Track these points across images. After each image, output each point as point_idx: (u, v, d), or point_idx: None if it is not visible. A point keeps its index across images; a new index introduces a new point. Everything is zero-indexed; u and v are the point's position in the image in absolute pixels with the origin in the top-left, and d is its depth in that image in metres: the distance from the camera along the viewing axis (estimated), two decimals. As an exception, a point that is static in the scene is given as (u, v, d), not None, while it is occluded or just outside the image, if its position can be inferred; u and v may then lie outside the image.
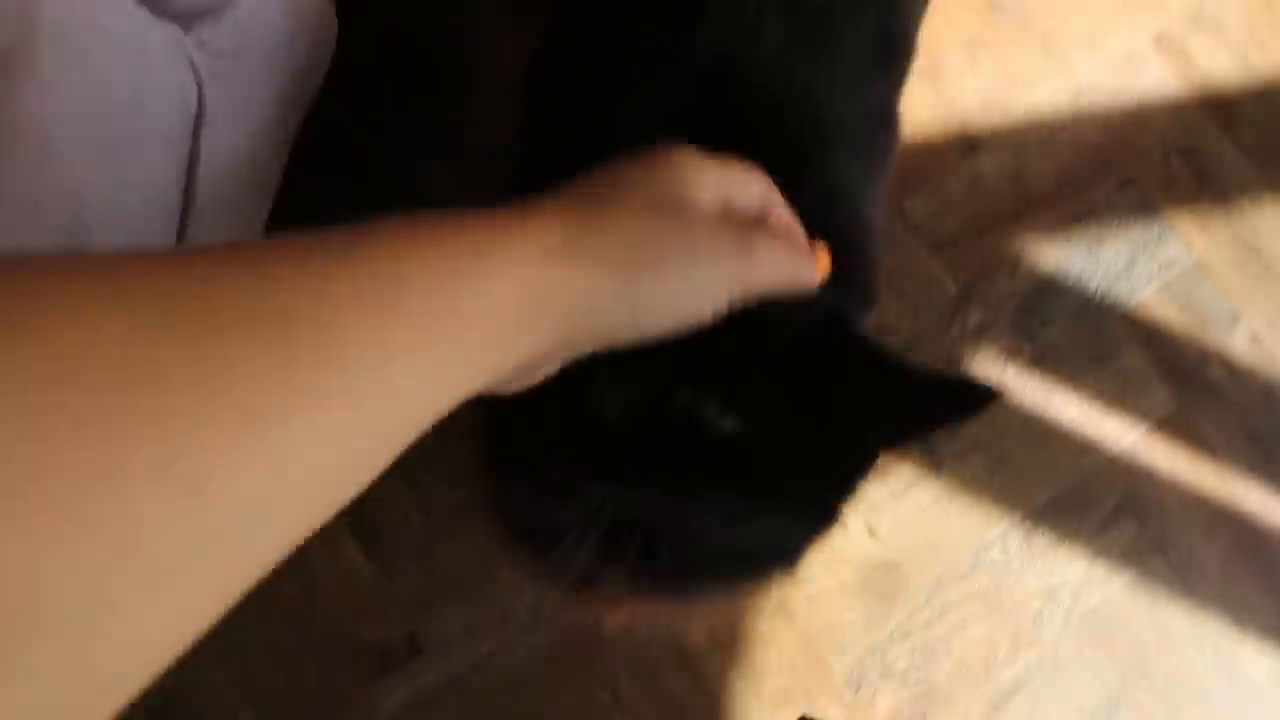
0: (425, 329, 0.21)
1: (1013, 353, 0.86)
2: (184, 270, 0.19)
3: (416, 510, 0.81)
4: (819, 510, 0.37)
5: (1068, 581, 0.85)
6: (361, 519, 0.79)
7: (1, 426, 0.15)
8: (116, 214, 0.49)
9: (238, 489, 0.17)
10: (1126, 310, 0.87)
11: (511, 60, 0.60)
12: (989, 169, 0.87)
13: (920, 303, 0.86)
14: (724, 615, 0.83)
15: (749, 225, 0.31)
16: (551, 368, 0.29)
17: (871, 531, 0.85)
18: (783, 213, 0.34)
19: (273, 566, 0.19)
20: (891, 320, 0.86)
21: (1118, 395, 0.86)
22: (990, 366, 0.86)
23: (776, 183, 0.41)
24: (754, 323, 0.32)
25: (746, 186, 0.32)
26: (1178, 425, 0.86)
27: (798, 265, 0.33)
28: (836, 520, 0.37)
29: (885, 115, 0.51)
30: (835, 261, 0.43)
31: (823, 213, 0.45)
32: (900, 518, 0.85)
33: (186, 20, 0.56)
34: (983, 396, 0.33)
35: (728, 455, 0.33)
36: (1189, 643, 0.84)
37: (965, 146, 0.88)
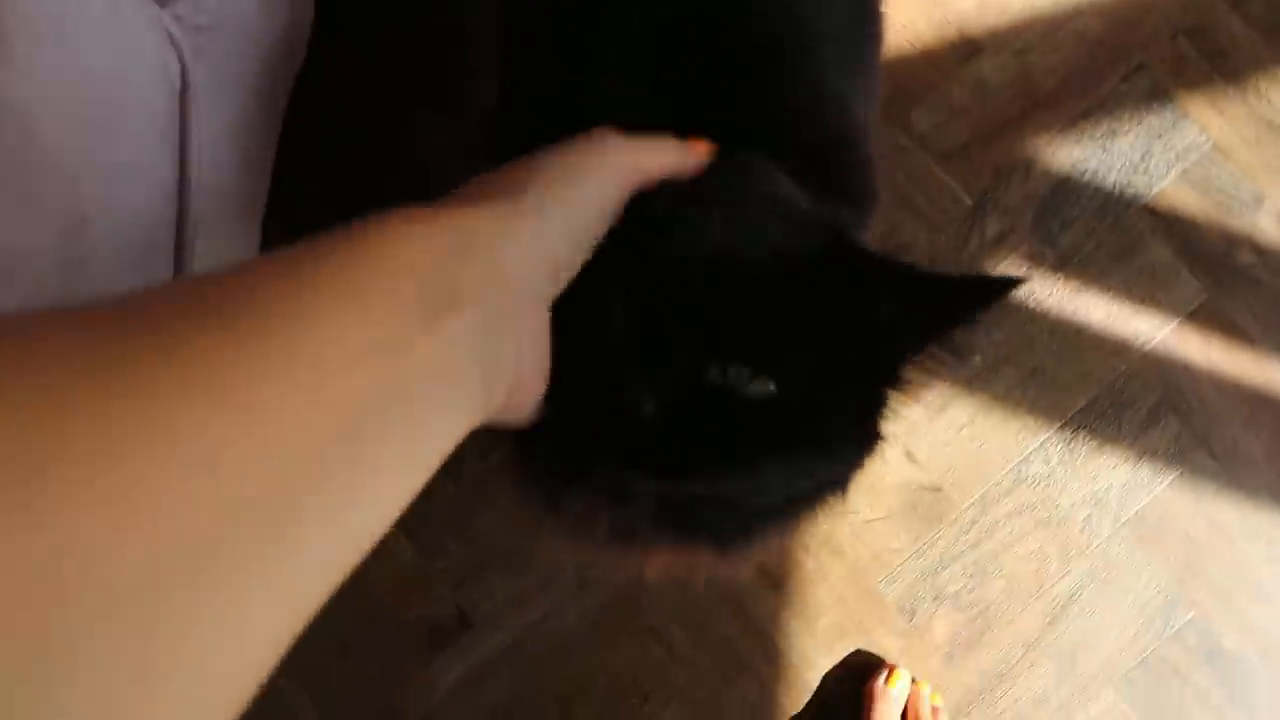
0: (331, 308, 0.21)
1: (1035, 259, 0.84)
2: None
3: (450, 483, 0.80)
4: (863, 436, 0.36)
5: (1113, 486, 0.84)
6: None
7: None
8: (113, 199, 0.47)
9: (246, 457, 0.17)
10: (1147, 202, 0.85)
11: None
12: (992, 72, 0.85)
13: (936, 217, 0.84)
14: (770, 556, 0.82)
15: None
16: (531, 348, 0.29)
17: (910, 456, 0.83)
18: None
19: (322, 544, 0.20)
20: (908, 237, 0.84)
21: (1146, 291, 0.84)
22: (1013, 274, 0.84)
23: (758, 85, 0.42)
24: (758, 270, 0.32)
25: (660, 153, 0.34)
26: (1210, 315, 0.84)
27: (678, 148, 0.35)
28: (880, 439, 0.37)
29: (867, 10, 0.50)
30: (826, 163, 0.43)
31: (808, 111, 0.45)
32: (937, 440, 0.84)
33: (160, -5, 0.54)
34: (1003, 284, 0.33)
35: (770, 417, 0.33)
36: (1240, 535, 0.83)
37: (965, 52, 0.85)
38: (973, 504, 0.83)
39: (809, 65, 0.45)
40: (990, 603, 0.83)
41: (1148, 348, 0.84)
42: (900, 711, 0.79)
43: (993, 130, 0.85)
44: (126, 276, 0.49)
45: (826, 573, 0.82)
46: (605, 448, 0.33)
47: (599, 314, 0.32)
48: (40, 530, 0.14)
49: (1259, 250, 0.84)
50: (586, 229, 0.30)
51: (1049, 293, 0.84)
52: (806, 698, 0.82)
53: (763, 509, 0.39)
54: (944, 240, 0.84)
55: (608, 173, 0.31)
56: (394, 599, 0.80)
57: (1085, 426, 0.84)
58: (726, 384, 0.32)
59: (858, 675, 0.82)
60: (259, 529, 0.18)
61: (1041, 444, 0.84)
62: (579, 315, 0.31)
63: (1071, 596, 0.83)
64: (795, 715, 0.82)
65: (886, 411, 0.36)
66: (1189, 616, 0.82)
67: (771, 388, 0.32)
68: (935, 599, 0.83)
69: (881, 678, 0.79)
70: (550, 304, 0.29)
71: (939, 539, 0.83)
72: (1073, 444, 0.84)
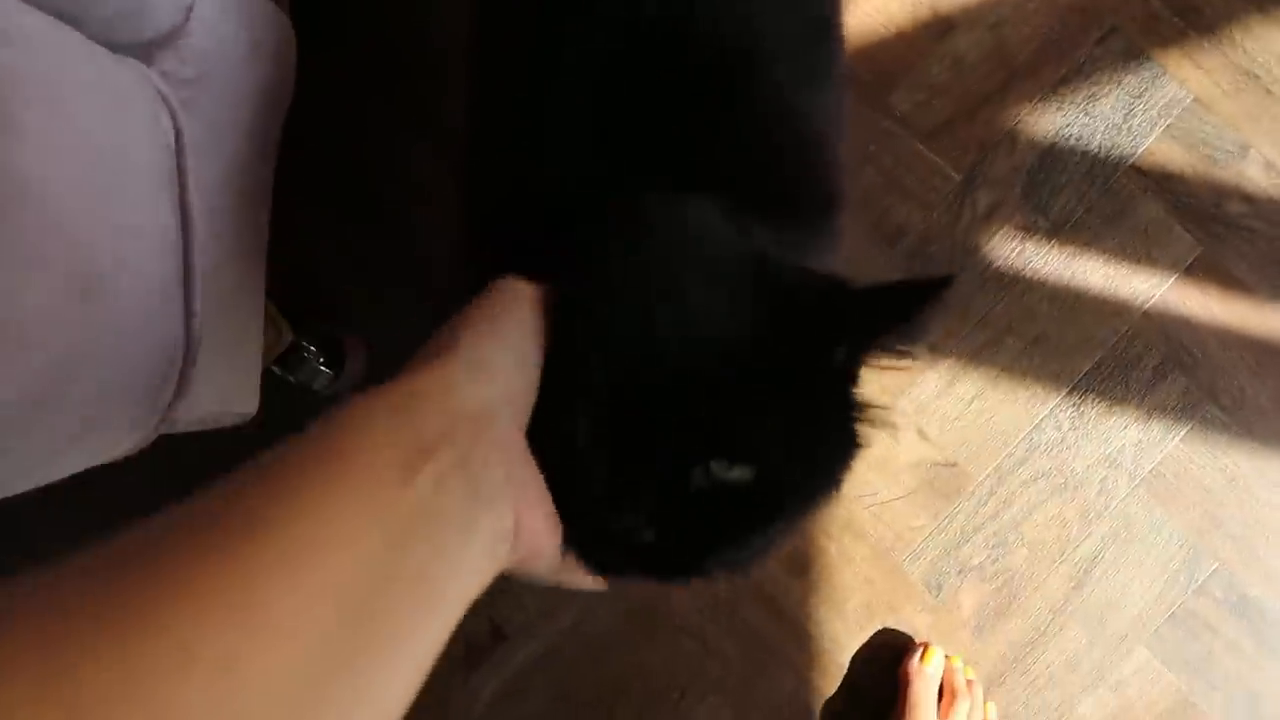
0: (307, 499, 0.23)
1: (1028, 228, 0.85)
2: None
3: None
4: (844, 450, 0.37)
5: (1125, 446, 0.84)
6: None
7: None
8: (120, 257, 0.48)
9: (262, 668, 0.19)
10: (1134, 162, 0.85)
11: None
12: (967, 47, 0.86)
13: (926, 195, 0.85)
14: (792, 545, 0.83)
15: None
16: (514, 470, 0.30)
17: (922, 435, 0.84)
18: None
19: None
20: (901, 218, 0.85)
21: (1141, 250, 0.85)
22: (1008, 246, 0.85)
23: (713, 101, 0.43)
24: (704, 347, 0.32)
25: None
26: (1206, 268, 0.84)
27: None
28: (859, 441, 0.37)
29: (824, 25, 0.51)
30: (779, 177, 0.44)
31: (762, 128, 0.45)
32: (948, 416, 0.84)
33: (146, 54, 0.56)
34: (936, 284, 0.33)
35: (756, 491, 0.34)
36: (1257, 483, 0.84)
37: (940, 29, 0.86)
38: (988, 476, 0.84)
39: (760, 86, 0.46)
40: (1014, 572, 0.84)
41: (1148, 306, 0.85)
42: (937, 688, 0.79)
43: (974, 105, 0.85)
44: (139, 330, 0.50)
45: (850, 556, 0.83)
46: (611, 562, 0.35)
47: (566, 434, 0.33)
48: None
49: (1248, 199, 0.85)
50: (521, 357, 0.32)
51: (1045, 260, 0.85)
52: (837, 679, 0.83)
53: (765, 545, 0.40)
54: (936, 218, 0.85)
55: (521, 312, 0.33)
56: (427, 619, 0.82)
57: (1093, 390, 0.84)
58: (710, 481, 0.33)
59: (887, 655, 0.83)
60: None
61: (1051, 411, 0.84)
62: (549, 438, 0.32)
63: (1094, 559, 0.84)
64: (828, 699, 0.83)
65: (860, 415, 0.37)
66: (1213, 569, 0.83)
67: (751, 470, 0.33)
68: (960, 572, 0.83)
69: (916, 657, 0.80)
70: (524, 429, 0.31)
71: (958, 513, 0.84)
72: (1082, 408, 0.84)
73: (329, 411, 0.26)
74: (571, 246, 0.38)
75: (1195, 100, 0.85)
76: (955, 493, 0.84)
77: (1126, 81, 0.86)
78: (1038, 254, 0.85)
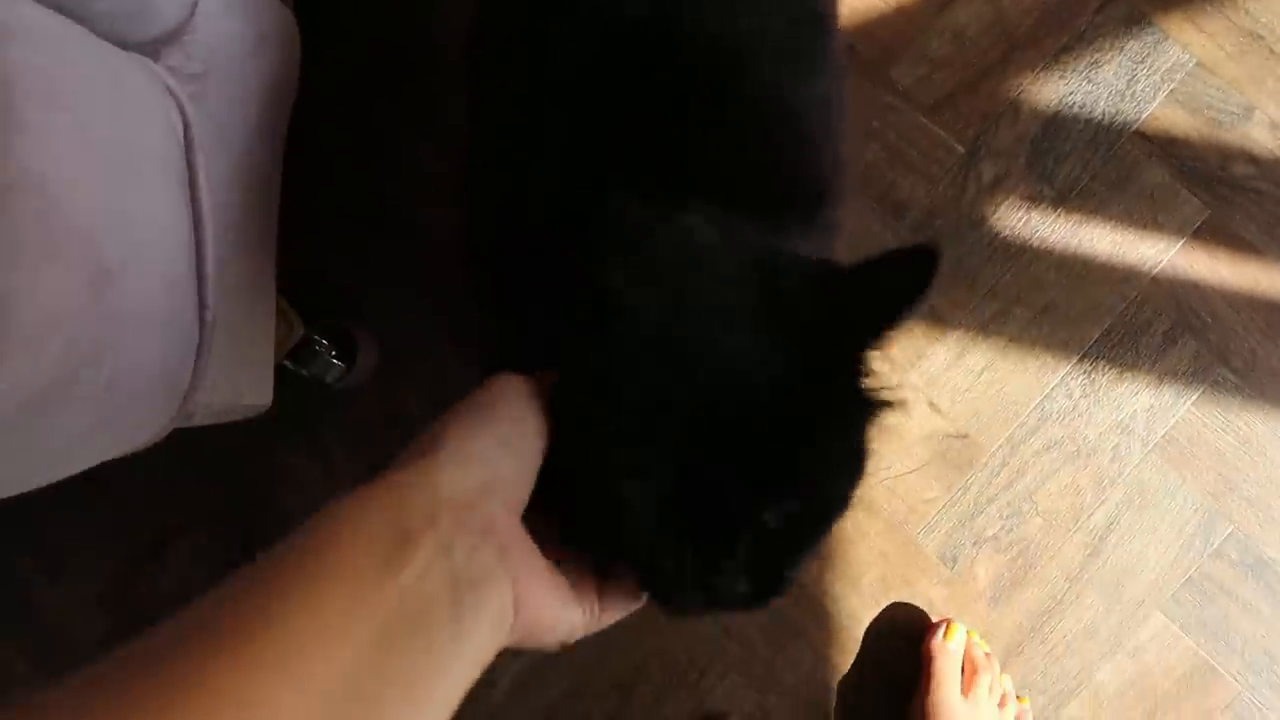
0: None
1: (1034, 198, 0.85)
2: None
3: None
4: (865, 441, 0.38)
5: (1137, 412, 0.84)
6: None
7: None
8: (133, 249, 0.49)
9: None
10: (1138, 128, 0.85)
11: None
12: (967, 20, 0.85)
13: (930, 169, 0.85)
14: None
15: None
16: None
17: (934, 407, 0.84)
18: None
19: None
20: (905, 193, 0.85)
21: (1147, 215, 0.85)
22: (1014, 216, 0.85)
23: (700, 99, 0.43)
24: (735, 382, 0.33)
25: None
26: (1214, 231, 0.84)
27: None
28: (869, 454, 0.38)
29: (815, 18, 0.51)
30: (767, 174, 0.44)
31: (749, 124, 0.45)
32: (958, 388, 0.84)
33: (152, 50, 0.56)
34: (924, 254, 0.34)
35: (809, 513, 0.36)
36: (1270, 445, 0.84)
37: (939, 2, 0.85)
38: (1001, 446, 0.84)
39: (748, 83, 0.46)
40: (1029, 541, 0.84)
41: (1156, 271, 0.85)
42: (960, 663, 0.79)
43: (976, 77, 0.85)
44: (154, 321, 0.51)
45: (864, 531, 0.84)
46: (697, 609, 0.37)
47: (617, 510, 0.33)
48: None
49: (1255, 160, 0.84)
50: (512, 446, 0.32)
51: (1051, 229, 0.85)
52: (855, 654, 0.83)
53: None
54: (941, 191, 0.85)
55: (512, 404, 0.33)
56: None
57: (1103, 357, 0.84)
58: (780, 517, 0.35)
59: (902, 629, 0.83)
60: None
61: (1062, 379, 0.84)
62: (591, 517, 0.33)
63: (1109, 526, 0.84)
64: (845, 675, 0.83)
65: (873, 403, 0.37)
66: (1228, 532, 0.83)
67: (797, 503, 0.35)
68: (975, 544, 0.84)
69: (939, 634, 0.80)
70: (519, 513, 0.31)
71: (971, 484, 0.84)
72: (1093, 375, 0.84)
73: (325, 506, 0.27)
74: (568, 250, 0.38)
75: (1198, 64, 0.85)
76: (968, 464, 0.84)
77: (1129, 47, 0.85)
78: (1044, 223, 0.85)
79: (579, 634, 0.34)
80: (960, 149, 0.85)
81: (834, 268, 0.37)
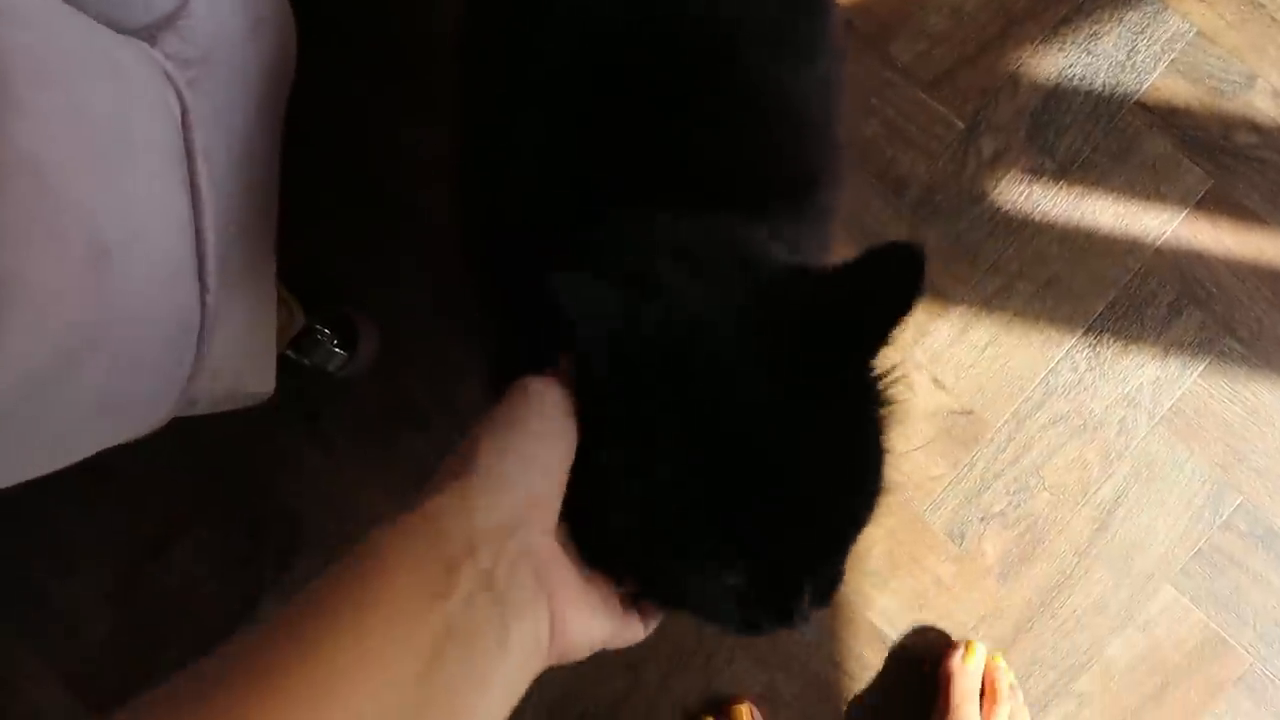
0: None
1: (1035, 171, 0.84)
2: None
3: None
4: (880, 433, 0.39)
5: (1143, 385, 0.84)
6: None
7: None
8: (131, 231, 0.49)
9: None
10: (1139, 98, 0.84)
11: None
12: (966, -7, 0.85)
13: (930, 145, 0.85)
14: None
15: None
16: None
17: (938, 383, 0.84)
18: None
19: None
20: (905, 169, 0.84)
21: (1150, 186, 0.84)
22: (1015, 191, 0.85)
23: (694, 85, 0.43)
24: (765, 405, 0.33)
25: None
26: (1217, 201, 0.84)
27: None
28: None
29: (808, 1, 0.50)
30: (754, 163, 0.44)
31: (736, 114, 0.45)
32: (962, 364, 0.84)
33: (149, 34, 0.56)
34: (907, 254, 0.34)
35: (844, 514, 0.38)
36: (1278, 414, 0.83)
37: (937, -24, 0.85)
38: (1006, 422, 0.84)
39: (736, 71, 0.45)
40: (1037, 516, 0.83)
41: (1159, 243, 0.84)
42: (979, 686, 0.78)
43: (975, 51, 0.85)
44: (154, 303, 0.51)
45: (871, 509, 0.83)
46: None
47: (698, 563, 0.34)
48: None
49: (1257, 129, 0.84)
50: (542, 463, 0.32)
51: (1053, 203, 0.84)
52: (864, 634, 0.83)
53: None
54: (941, 166, 0.85)
55: (540, 416, 0.33)
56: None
57: (1108, 330, 0.84)
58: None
59: (925, 653, 0.82)
60: None
61: (1067, 353, 0.84)
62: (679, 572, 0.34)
63: (1117, 499, 0.83)
64: (859, 695, 0.82)
65: (883, 396, 0.38)
66: (1237, 503, 0.83)
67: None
68: (982, 520, 0.83)
69: (958, 654, 0.79)
70: (552, 530, 0.32)
71: (977, 460, 0.84)
72: (1098, 349, 0.84)
73: (363, 539, 0.28)
74: (558, 248, 0.39)
75: (1199, 33, 0.84)
76: (973, 440, 0.84)
77: (1128, 18, 0.85)
78: (1046, 196, 0.84)
79: (612, 645, 0.35)
80: (960, 124, 0.85)
81: (813, 275, 0.37)
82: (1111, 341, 0.84)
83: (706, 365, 0.33)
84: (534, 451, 0.32)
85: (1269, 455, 0.83)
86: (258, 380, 0.70)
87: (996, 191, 0.84)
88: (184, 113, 0.55)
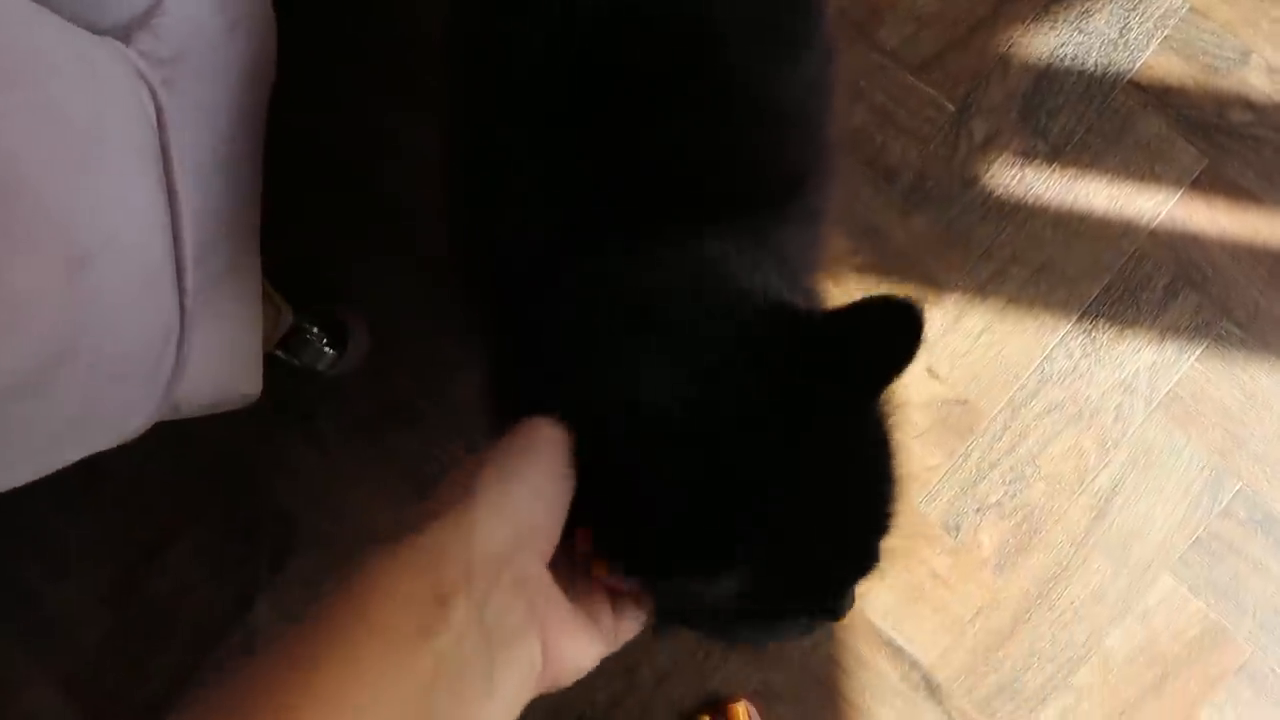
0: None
1: (1027, 154, 0.83)
2: None
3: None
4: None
5: (1140, 370, 0.83)
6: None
7: None
8: (107, 234, 0.48)
9: None
10: (1132, 77, 0.83)
11: None
12: (954, -25, 0.84)
13: (921, 129, 0.84)
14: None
15: None
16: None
17: (932, 372, 0.83)
18: None
19: None
20: (896, 154, 0.83)
21: (1144, 167, 0.83)
22: (1007, 174, 0.83)
23: (675, 82, 0.44)
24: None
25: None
26: (1213, 181, 0.82)
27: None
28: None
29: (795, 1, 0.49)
30: (736, 168, 0.44)
31: (718, 111, 0.45)
32: (956, 352, 0.83)
33: (123, 34, 0.55)
34: (904, 312, 0.34)
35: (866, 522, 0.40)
36: (1276, 398, 0.82)
37: (924, -42, 0.84)
38: (1001, 410, 0.83)
39: (718, 72, 0.45)
40: (1034, 506, 0.83)
41: (1154, 225, 0.83)
42: None
43: (964, 33, 0.84)
44: (132, 308, 0.50)
45: (865, 500, 0.83)
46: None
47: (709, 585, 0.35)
48: None
49: (1252, 106, 0.82)
50: (542, 494, 0.33)
51: (1046, 185, 0.83)
52: (859, 629, 0.82)
53: None
54: (932, 151, 0.84)
55: (542, 454, 0.33)
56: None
57: (1103, 314, 0.83)
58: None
59: None
60: None
61: (1062, 339, 0.83)
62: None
63: (1115, 487, 0.82)
64: (854, 688, 0.82)
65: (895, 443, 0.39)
66: (1236, 489, 0.82)
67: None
68: (978, 510, 0.83)
69: None
70: (547, 560, 0.32)
71: (973, 450, 0.83)
72: (1093, 334, 0.83)
73: (357, 561, 0.28)
74: (545, 262, 0.39)
75: (1191, 8, 0.83)
76: (968, 429, 0.83)
77: (1120, -4, 0.83)
78: (1038, 179, 0.83)
79: (599, 660, 0.35)
80: (951, 107, 0.84)
81: (804, 321, 0.37)
82: (1107, 326, 0.83)
83: (710, 434, 0.34)
84: (538, 484, 0.32)
85: (1267, 440, 0.82)
86: (245, 382, 0.70)
87: (989, 175, 0.83)
88: (159, 113, 0.55)
